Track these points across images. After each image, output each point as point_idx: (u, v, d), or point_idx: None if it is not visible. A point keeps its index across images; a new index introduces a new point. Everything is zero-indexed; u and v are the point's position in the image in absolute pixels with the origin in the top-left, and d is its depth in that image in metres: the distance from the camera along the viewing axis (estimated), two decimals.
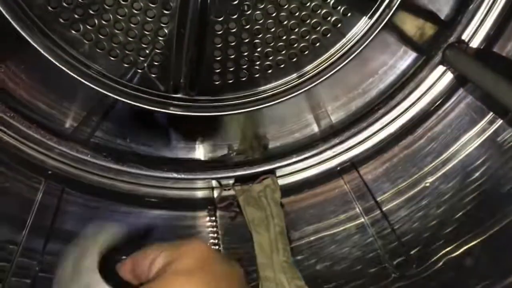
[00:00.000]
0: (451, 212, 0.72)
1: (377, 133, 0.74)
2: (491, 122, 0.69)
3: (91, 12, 0.62)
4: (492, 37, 0.68)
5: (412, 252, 0.70)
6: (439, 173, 0.73)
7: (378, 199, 0.73)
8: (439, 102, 0.72)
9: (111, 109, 0.72)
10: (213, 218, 0.75)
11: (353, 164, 0.74)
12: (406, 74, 0.73)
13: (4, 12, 0.58)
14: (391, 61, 0.73)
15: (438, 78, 0.71)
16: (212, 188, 0.77)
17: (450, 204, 0.72)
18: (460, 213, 0.71)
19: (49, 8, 0.61)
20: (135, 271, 0.49)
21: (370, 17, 0.66)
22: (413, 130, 0.74)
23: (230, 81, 0.70)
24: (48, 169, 0.69)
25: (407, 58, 0.73)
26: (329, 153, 0.75)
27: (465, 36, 0.68)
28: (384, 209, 0.72)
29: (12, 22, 0.59)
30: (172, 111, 0.69)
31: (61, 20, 0.62)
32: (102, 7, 0.62)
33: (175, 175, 0.74)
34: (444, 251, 0.68)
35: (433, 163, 0.73)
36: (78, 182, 0.71)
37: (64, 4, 0.61)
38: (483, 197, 0.71)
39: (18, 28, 0.60)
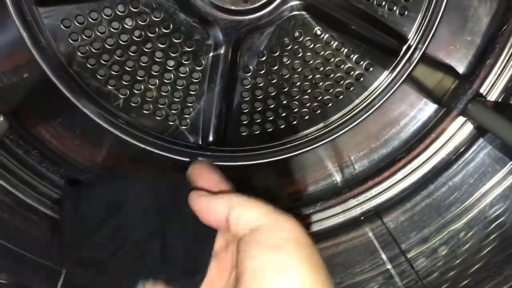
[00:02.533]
0: (473, 261, 0.72)
1: (399, 182, 0.76)
2: (511, 171, 0.71)
3: (126, 68, 0.66)
4: (510, 90, 0.70)
5: None
6: (461, 222, 0.74)
7: (403, 246, 0.74)
8: (459, 152, 0.74)
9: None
10: None
11: (377, 213, 0.76)
12: (427, 125, 0.75)
13: (46, 70, 0.62)
14: (412, 112, 0.75)
15: (459, 129, 0.74)
16: None
17: (472, 253, 0.73)
18: (482, 262, 0.72)
19: (88, 65, 0.65)
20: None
21: (392, 71, 0.69)
22: (435, 179, 0.75)
23: (257, 132, 0.72)
24: None
25: (428, 109, 0.75)
26: (353, 202, 0.77)
27: (484, 89, 0.71)
28: (409, 256, 0.73)
29: (53, 79, 0.62)
30: None
31: (98, 76, 0.65)
32: (138, 64, 0.66)
33: None
34: None
35: (455, 212, 0.74)
36: None
37: (102, 61, 0.65)
38: (506, 245, 0.72)
39: (58, 84, 0.63)
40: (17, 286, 0.64)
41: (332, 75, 0.70)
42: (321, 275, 0.43)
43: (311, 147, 0.72)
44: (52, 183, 0.69)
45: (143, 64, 0.66)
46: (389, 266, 0.72)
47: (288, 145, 0.73)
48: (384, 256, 0.73)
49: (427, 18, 0.66)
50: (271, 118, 0.72)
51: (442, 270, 0.72)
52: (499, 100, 0.71)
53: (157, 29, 0.64)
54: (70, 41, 0.63)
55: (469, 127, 0.73)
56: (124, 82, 0.66)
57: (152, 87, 0.67)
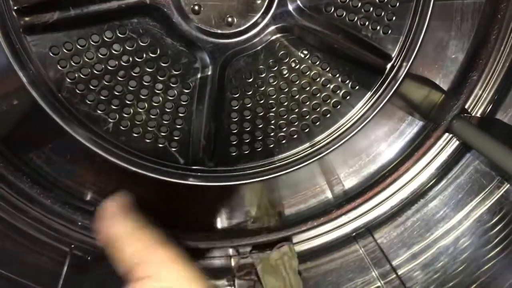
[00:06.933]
0: (463, 276, 0.73)
1: (389, 198, 0.77)
2: (498, 187, 0.72)
3: (115, 93, 0.66)
4: (495, 105, 0.71)
5: None
6: (452, 236, 0.74)
7: (393, 263, 0.74)
8: (447, 167, 0.75)
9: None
10: (232, 287, 0.76)
11: (368, 229, 0.76)
12: (415, 141, 0.76)
13: (36, 97, 0.63)
14: (399, 128, 0.76)
15: (446, 144, 0.74)
16: (230, 257, 0.79)
17: (462, 268, 0.73)
18: (472, 278, 0.72)
19: (77, 90, 0.65)
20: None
21: (378, 89, 0.70)
22: (424, 194, 0.76)
23: (246, 152, 0.73)
24: (72, 242, 0.71)
25: (415, 125, 0.76)
26: (343, 219, 0.77)
27: (468, 105, 0.72)
28: (400, 273, 0.73)
29: (43, 105, 0.63)
30: (191, 182, 0.71)
31: (88, 101, 0.66)
32: (126, 88, 0.66)
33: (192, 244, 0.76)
34: None
35: (445, 226, 0.75)
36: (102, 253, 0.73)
37: (91, 86, 0.66)
38: (497, 259, 0.72)
39: (48, 111, 0.63)
40: None
41: (318, 94, 0.71)
42: None
43: (301, 165, 0.72)
44: (43, 208, 0.70)
45: (132, 88, 0.67)
46: (380, 284, 0.73)
47: (277, 164, 0.73)
48: (375, 273, 0.73)
49: (411, 36, 0.67)
50: (260, 138, 0.73)
51: (433, 287, 0.72)
52: (484, 115, 0.72)
53: (144, 54, 0.65)
54: (59, 67, 0.64)
55: (456, 142, 0.74)
56: (113, 107, 0.67)
57: (141, 110, 0.68)
